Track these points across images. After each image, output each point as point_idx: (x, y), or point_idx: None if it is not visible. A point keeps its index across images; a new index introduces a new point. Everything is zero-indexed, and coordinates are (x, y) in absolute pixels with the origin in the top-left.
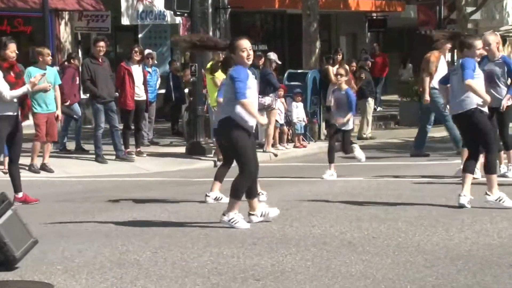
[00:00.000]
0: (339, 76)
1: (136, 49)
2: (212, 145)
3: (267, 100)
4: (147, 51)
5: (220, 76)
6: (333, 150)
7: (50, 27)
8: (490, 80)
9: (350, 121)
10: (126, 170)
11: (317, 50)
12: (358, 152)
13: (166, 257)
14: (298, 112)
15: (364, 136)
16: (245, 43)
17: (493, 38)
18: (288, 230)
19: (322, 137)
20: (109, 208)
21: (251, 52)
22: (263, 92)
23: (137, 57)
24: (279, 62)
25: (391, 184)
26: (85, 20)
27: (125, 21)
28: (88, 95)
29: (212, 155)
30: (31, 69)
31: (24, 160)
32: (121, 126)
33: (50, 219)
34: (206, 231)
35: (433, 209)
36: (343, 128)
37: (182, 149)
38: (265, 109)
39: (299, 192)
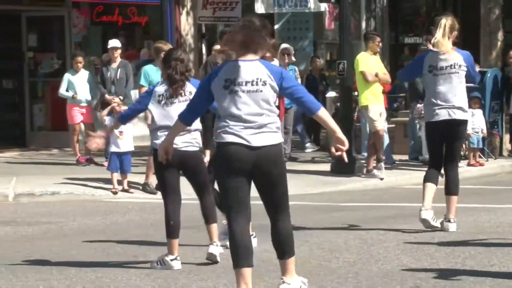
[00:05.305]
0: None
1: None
2: (363, 161)
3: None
4: (283, 45)
5: (367, 67)
6: None
7: (169, 17)
8: None
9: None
10: None
11: (498, 43)
12: None
13: None
14: (475, 122)
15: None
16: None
17: None
18: (461, 270)
19: (505, 153)
20: None
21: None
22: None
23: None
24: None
25: None
26: (210, 9)
27: (259, 8)
28: None
29: (363, 174)
30: (148, 68)
31: (137, 177)
32: None
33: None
34: (355, 268)
35: None
36: None
37: (327, 167)
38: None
39: (474, 223)
